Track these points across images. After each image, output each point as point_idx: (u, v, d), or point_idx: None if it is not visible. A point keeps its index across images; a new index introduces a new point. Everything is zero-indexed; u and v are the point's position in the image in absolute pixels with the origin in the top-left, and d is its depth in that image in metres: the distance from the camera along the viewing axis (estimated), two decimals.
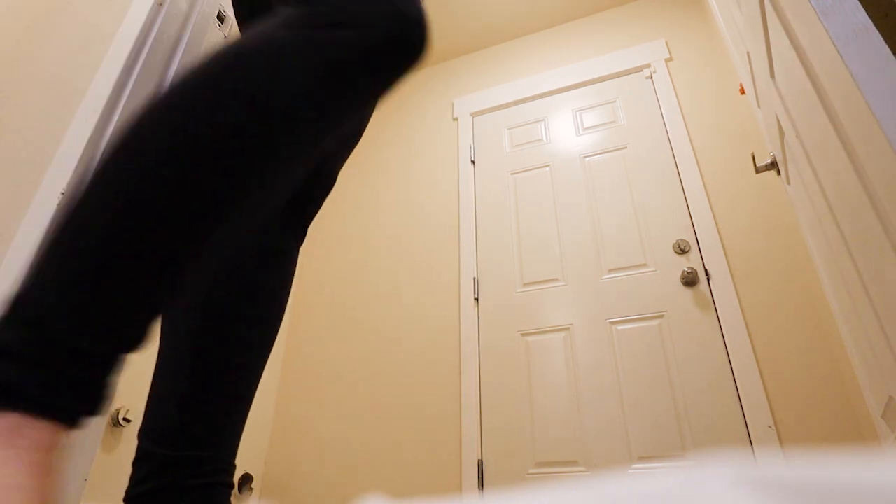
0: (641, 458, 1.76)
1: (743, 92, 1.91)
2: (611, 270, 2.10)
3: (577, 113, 2.56)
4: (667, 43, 2.53)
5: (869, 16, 0.75)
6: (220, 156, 0.37)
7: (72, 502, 0.85)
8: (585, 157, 2.42)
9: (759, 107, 1.62)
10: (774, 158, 1.56)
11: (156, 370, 0.56)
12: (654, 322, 1.95)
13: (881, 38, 0.72)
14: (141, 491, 0.50)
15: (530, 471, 1.86)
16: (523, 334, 2.12)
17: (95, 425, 0.90)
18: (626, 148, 2.36)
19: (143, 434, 0.53)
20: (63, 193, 0.94)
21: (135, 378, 1.82)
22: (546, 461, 1.86)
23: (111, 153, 0.38)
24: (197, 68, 0.41)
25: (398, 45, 0.44)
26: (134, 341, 0.37)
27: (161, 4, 1.18)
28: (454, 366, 2.17)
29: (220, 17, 1.32)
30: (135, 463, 0.53)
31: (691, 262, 2.00)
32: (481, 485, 1.91)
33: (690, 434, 1.72)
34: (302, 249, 2.85)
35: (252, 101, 0.38)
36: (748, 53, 1.50)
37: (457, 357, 2.18)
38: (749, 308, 1.84)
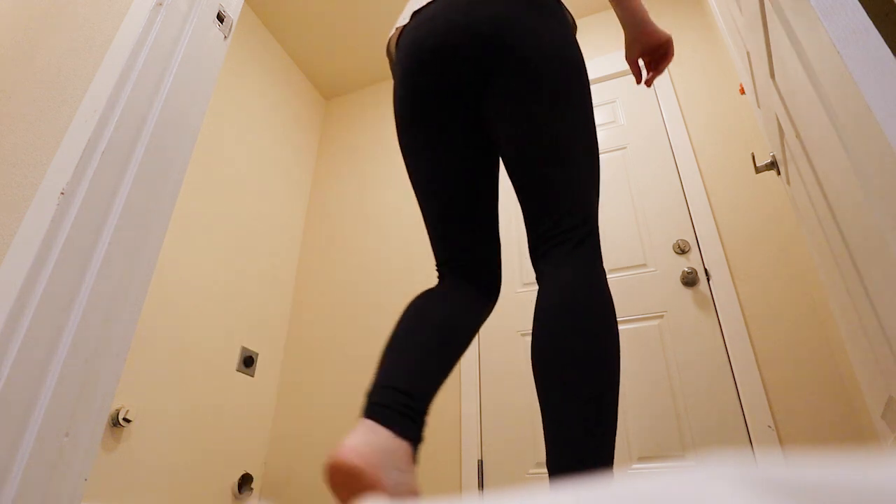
0: (641, 458, 1.76)
1: (743, 92, 1.91)
2: (611, 270, 2.10)
3: None
4: None
5: (869, 16, 0.75)
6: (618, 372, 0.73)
7: (72, 502, 0.85)
8: None
9: (759, 107, 1.62)
10: (774, 158, 1.56)
11: (409, 337, 0.78)
12: (654, 322, 1.95)
13: (881, 38, 0.72)
14: (388, 405, 0.68)
15: (530, 471, 1.86)
16: (523, 334, 2.12)
17: (95, 425, 0.90)
18: (625, 148, 2.36)
19: (392, 379, 0.71)
20: (63, 193, 0.94)
21: (135, 378, 1.82)
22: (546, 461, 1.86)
23: (611, 372, 0.71)
24: (608, 311, 0.75)
25: None
26: None
27: (161, 4, 1.18)
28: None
29: (220, 18, 1.32)
30: (378, 393, 0.70)
31: (691, 262, 2.00)
32: (481, 485, 1.91)
33: (690, 434, 1.72)
34: (302, 250, 2.85)
35: (617, 341, 0.75)
36: (748, 53, 1.50)
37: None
38: (749, 308, 1.84)
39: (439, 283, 0.92)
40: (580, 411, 0.67)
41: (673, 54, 1.04)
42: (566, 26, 0.92)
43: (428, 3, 0.97)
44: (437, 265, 0.97)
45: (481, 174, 0.97)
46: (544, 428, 0.71)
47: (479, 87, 0.91)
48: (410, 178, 1.02)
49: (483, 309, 0.90)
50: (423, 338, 0.78)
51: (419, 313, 0.82)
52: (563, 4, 0.95)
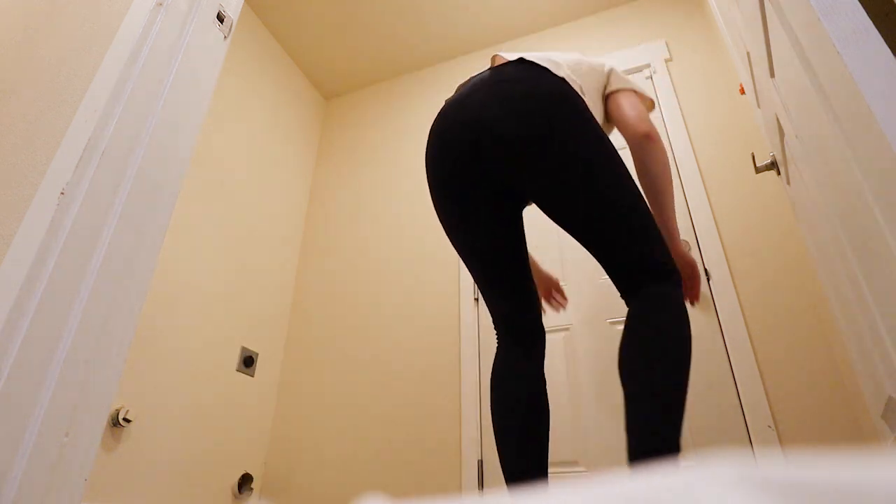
0: None
1: (743, 92, 1.91)
2: None
3: None
4: (667, 43, 2.53)
5: (869, 16, 0.75)
6: (687, 377, 0.87)
7: (72, 502, 0.85)
8: None
9: (759, 107, 1.62)
10: (774, 158, 1.56)
11: (514, 436, 1.01)
12: None
13: (881, 38, 0.72)
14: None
15: None
16: None
17: (95, 425, 0.90)
18: (626, 148, 2.36)
19: (522, 471, 1.00)
20: (63, 193, 0.94)
21: (135, 378, 1.82)
22: None
23: (680, 372, 0.85)
24: (682, 335, 0.89)
25: None
26: None
27: (161, 4, 1.18)
28: (454, 366, 2.17)
29: (220, 18, 1.32)
30: (518, 481, 0.98)
31: None
32: (481, 485, 1.91)
33: (690, 434, 1.72)
34: (302, 250, 2.85)
35: (689, 354, 0.88)
36: (748, 53, 1.50)
37: (457, 357, 2.18)
38: (749, 308, 1.84)
39: (501, 345, 1.11)
40: (657, 418, 0.82)
41: (699, 277, 1.17)
42: (583, 112, 1.01)
43: (470, 86, 1.09)
44: (494, 325, 1.15)
45: (510, 233, 1.10)
46: (627, 429, 0.86)
47: (509, 167, 1.01)
48: (445, 231, 1.16)
49: (541, 362, 1.08)
50: (529, 442, 0.99)
51: (509, 405, 1.02)
52: (577, 94, 1.05)
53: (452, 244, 1.18)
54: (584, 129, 0.99)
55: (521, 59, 1.08)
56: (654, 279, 0.94)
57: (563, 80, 1.04)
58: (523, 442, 0.99)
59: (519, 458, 0.98)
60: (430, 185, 1.14)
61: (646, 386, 0.83)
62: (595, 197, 0.96)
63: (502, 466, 1.00)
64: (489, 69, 1.10)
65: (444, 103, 1.16)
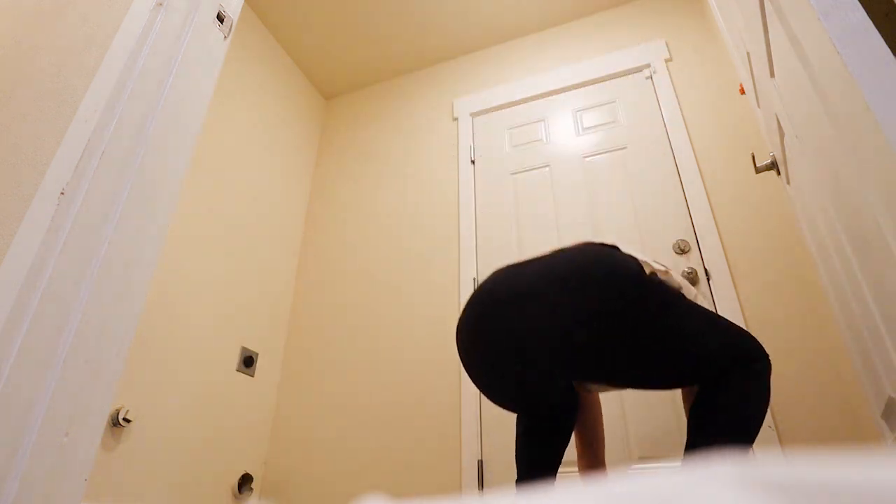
0: (641, 458, 1.75)
1: (743, 92, 1.91)
2: None
3: (577, 113, 2.56)
4: (667, 43, 2.53)
5: (869, 16, 0.75)
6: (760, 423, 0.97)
7: (72, 502, 0.85)
8: (585, 157, 2.42)
9: (759, 107, 1.62)
10: (774, 158, 1.56)
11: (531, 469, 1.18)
12: None
13: (881, 38, 0.72)
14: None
15: None
16: None
17: (95, 425, 0.90)
18: (625, 148, 2.36)
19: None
20: (63, 193, 0.94)
21: (135, 378, 1.82)
22: None
23: (755, 414, 0.96)
24: (762, 392, 0.98)
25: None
26: None
27: (161, 4, 1.18)
28: (454, 365, 2.17)
29: (220, 18, 1.32)
30: None
31: (691, 262, 2.00)
32: (481, 485, 1.91)
33: None
34: (302, 250, 2.85)
35: (764, 410, 0.98)
36: (748, 53, 1.50)
37: (456, 357, 2.18)
38: (749, 308, 1.84)
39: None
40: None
41: None
42: (650, 291, 1.00)
43: (519, 264, 1.08)
44: None
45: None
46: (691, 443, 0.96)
47: (574, 364, 1.02)
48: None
49: (570, 430, 1.11)
50: (542, 471, 1.10)
51: (531, 452, 1.13)
52: (641, 268, 1.02)
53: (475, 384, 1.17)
54: (656, 306, 0.99)
55: (585, 243, 1.06)
56: (739, 367, 0.99)
57: (630, 257, 1.04)
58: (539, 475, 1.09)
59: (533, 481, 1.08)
60: (461, 350, 1.10)
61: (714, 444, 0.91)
62: (680, 362, 0.99)
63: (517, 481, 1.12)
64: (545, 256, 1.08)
65: (483, 286, 1.10)
